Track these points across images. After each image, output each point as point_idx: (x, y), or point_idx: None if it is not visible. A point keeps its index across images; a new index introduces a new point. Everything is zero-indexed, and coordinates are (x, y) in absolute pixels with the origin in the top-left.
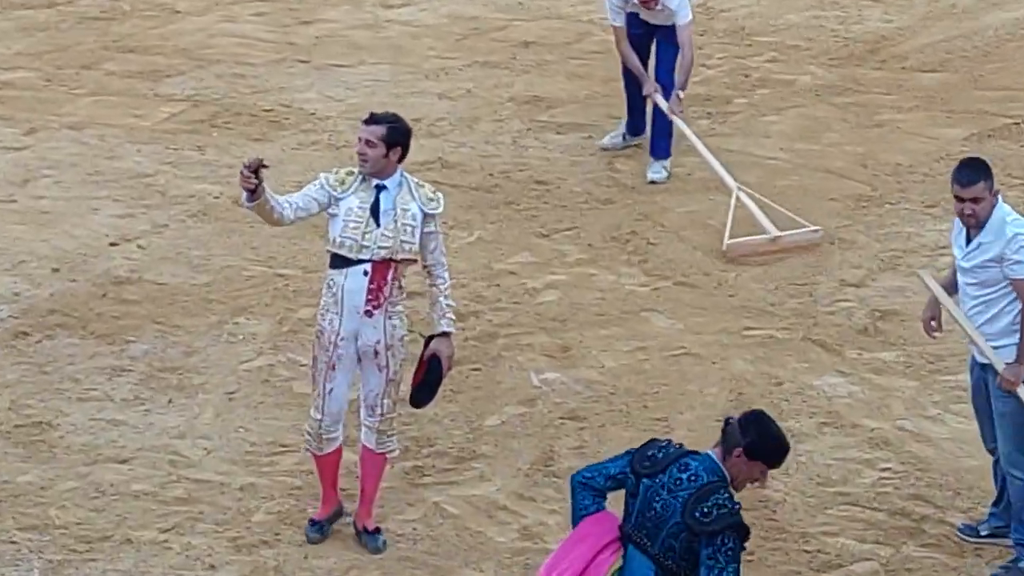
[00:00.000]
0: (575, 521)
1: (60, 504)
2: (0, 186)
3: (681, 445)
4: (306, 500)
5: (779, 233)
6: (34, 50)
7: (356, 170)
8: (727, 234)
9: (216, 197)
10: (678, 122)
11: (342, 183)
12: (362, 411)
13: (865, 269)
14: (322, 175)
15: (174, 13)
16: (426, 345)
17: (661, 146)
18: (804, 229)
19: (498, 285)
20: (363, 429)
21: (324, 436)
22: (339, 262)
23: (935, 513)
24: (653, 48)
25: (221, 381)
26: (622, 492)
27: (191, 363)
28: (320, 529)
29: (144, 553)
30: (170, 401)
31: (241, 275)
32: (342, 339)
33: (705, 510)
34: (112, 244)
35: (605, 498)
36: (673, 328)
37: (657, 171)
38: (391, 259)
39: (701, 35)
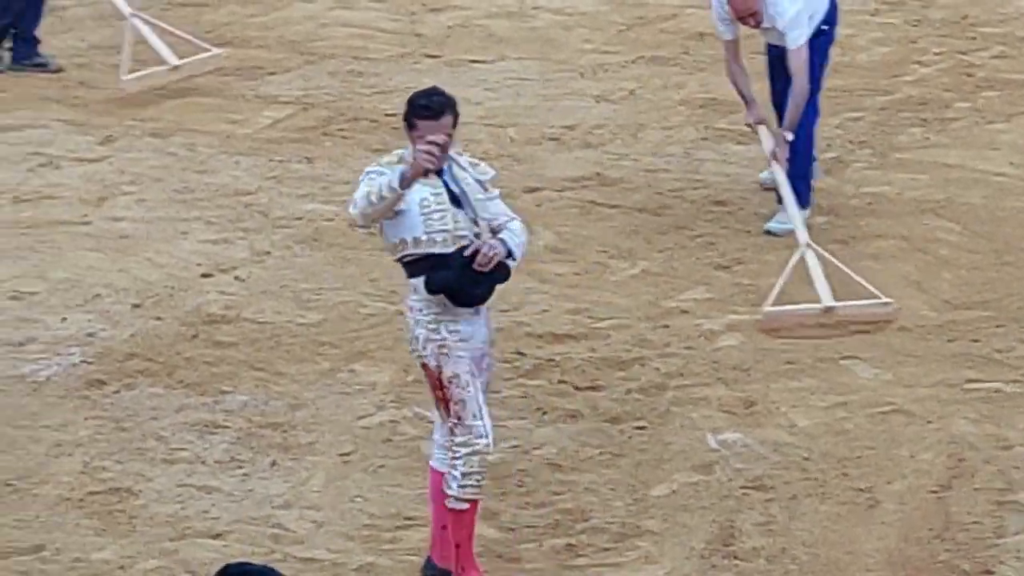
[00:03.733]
0: None
1: None
2: (72, 205)
3: None
4: None
5: (834, 304)
6: (112, 42)
7: (404, 155)
8: (771, 298)
9: (329, 220)
10: (776, 171)
11: (391, 165)
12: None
13: None
14: (372, 169)
15: None
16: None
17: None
18: (874, 301)
19: (667, 327)
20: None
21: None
22: (435, 260)
23: None
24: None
25: (334, 440)
26: None
27: (298, 418)
28: None
29: None
30: (273, 464)
31: (358, 313)
32: (463, 341)
33: None
34: (204, 275)
35: None
36: (879, 380)
37: (781, 222)
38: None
39: (915, 26)
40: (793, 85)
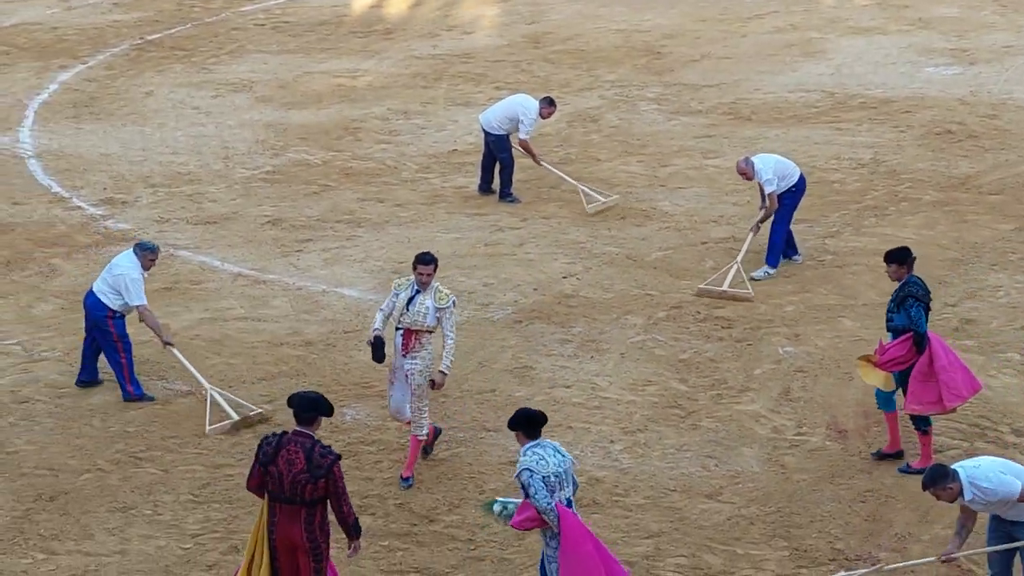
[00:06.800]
0: None
1: None
2: None
3: None
4: None
5: (727, 288)
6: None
7: (411, 280)
8: (706, 282)
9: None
10: (748, 238)
11: (400, 286)
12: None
13: None
14: (393, 282)
15: None
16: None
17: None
18: (745, 291)
19: None
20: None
21: (394, 419)
22: (396, 327)
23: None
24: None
25: (619, 347)
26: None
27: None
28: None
29: None
30: (591, 357)
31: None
32: (396, 368)
33: None
34: None
35: None
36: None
37: (759, 273)
38: (412, 329)
39: None
40: (767, 205)
